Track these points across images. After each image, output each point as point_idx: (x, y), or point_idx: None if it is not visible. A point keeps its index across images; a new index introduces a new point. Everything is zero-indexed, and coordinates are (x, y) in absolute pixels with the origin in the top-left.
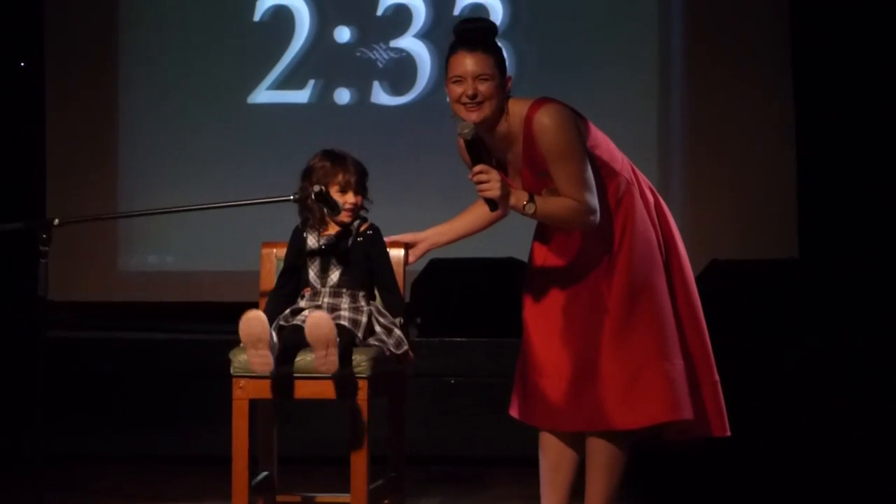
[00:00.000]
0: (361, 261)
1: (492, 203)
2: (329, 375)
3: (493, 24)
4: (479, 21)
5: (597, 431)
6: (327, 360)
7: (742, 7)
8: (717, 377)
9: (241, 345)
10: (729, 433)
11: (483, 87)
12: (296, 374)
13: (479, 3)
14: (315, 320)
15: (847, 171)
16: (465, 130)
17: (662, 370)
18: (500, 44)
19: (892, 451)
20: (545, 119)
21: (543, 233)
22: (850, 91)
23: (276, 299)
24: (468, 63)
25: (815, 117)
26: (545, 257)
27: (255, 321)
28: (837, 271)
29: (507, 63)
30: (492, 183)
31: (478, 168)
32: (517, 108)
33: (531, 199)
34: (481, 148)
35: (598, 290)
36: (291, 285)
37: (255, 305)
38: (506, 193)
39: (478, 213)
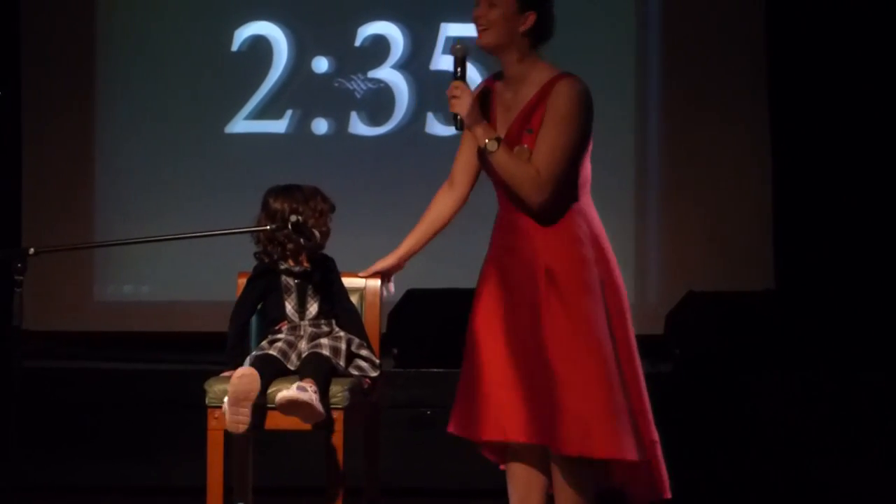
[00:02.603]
0: (328, 288)
1: (458, 122)
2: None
3: None
4: None
5: (559, 458)
6: (313, 415)
7: (719, 42)
8: (657, 436)
9: (226, 400)
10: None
11: (491, 14)
12: (270, 406)
13: (462, 35)
14: (285, 402)
15: (823, 204)
16: (458, 46)
17: (612, 408)
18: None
19: (874, 482)
20: (568, 87)
21: (499, 245)
22: (826, 125)
23: (241, 336)
24: None
25: (790, 150)
26: (497, 270)
27: (248, 378)
28: (814, 302)
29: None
30: (463, 100)
31: (455, 83)
32: (542, 70)
33: (498, 141)
34: (465, 71)
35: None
36: (247, 319)
37: None
38: (475, 119)
39: (430, 218)
